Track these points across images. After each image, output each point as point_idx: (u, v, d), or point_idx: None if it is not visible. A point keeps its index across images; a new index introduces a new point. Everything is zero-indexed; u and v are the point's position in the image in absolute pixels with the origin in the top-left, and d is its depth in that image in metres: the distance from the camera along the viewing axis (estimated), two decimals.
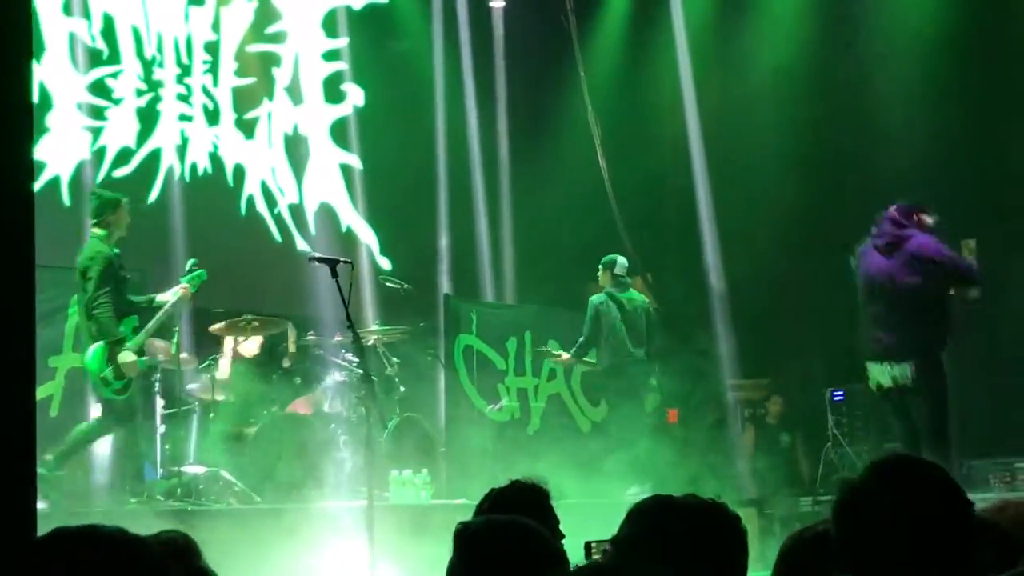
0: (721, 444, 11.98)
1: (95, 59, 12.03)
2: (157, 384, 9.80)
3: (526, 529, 2.90)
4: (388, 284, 11.54)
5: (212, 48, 12.80)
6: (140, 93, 12.29)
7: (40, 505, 4.66)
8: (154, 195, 12.19)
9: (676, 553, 2.64)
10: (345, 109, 13.53)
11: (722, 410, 13.00)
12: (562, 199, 13.98)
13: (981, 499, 2.57)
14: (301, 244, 13.01)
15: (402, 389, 10.75)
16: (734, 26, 13.91)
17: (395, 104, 13.73)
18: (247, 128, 12.98)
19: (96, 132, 11.99)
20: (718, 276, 13.62)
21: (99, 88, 12.05)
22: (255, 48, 13.10)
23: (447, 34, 14.24)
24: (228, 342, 10.42)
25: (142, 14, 12.33)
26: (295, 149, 13.26)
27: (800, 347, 12.99)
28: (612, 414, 11.87)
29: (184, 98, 12.58)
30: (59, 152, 11.59)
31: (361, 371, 8.26)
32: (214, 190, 12.61)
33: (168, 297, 9.35)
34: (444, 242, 13.94)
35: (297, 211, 13.17)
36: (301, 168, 13.28)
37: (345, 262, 7.90)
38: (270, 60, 13.22)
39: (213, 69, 12.81)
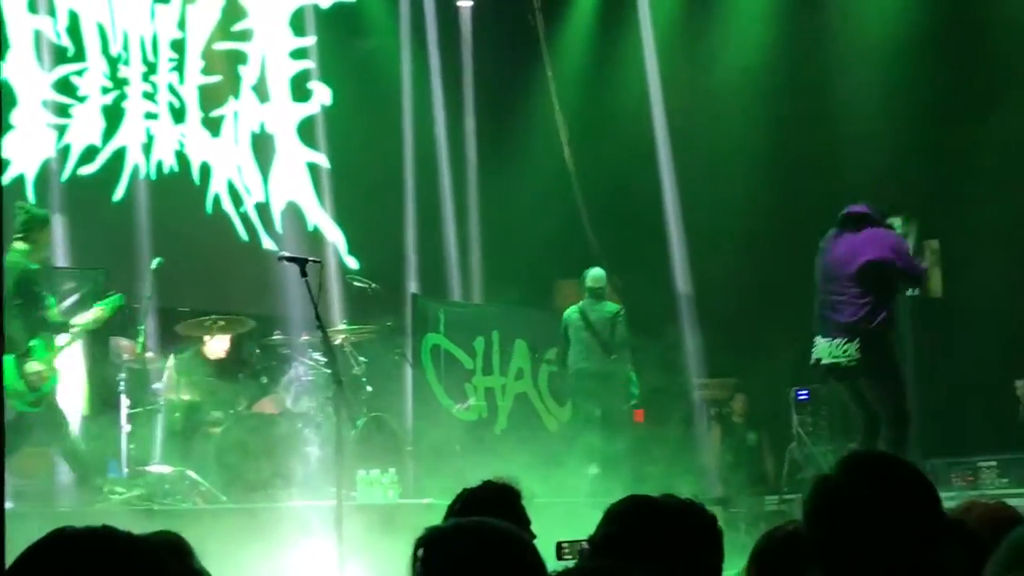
0: (687, 442, 12.03)
1: (60, 56, 11.96)
2: (122, 383, 9.74)
3: (500, 534, 2.75)
4: (355, 283, 11.51)
5: (178, 46, 12.75)
6: (106, 91, 12.23)
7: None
8: (119, 193, 12.14)
9: (653, 553, 2.65)
10: (312, 108, 13.49)
11: (689, 408, 13.06)
12: (530, 198, 13.99)
13: (944, 498, 2.59)
14: (267, 243, 12.97)
15: (369, 388, 10.73)
16: (701, 25, 13.97)
17: (362, 103, 13.70)
18: (213, 126, 12.93)
19: (61, 130, 11.93)
20: (684, 276, 13.68)
21: (64, 86, 11.98)
22: (222, 46, 13.04)
23: (415, 33, 14.22)
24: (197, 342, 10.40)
25: (108, 12, 12.27)
26: (262, 147, 13.22)
27: (765, 346, 13.05)
28: (576, 415, 12.02)
29: (150, 96, 12.52)
30: (24, 150, 11.52)
31: (329, 370, 8.25)
32: (180, 188, 12.55)
33: (82, 320, 9.21)
34: (411, 241, 13.93)
35: (264, 210, 13.12)
36: (268, 167, 13.24)
37: (315, 261, 7.89)
38: (237, 58, 13.17)
39: (179, 67, 12.75)
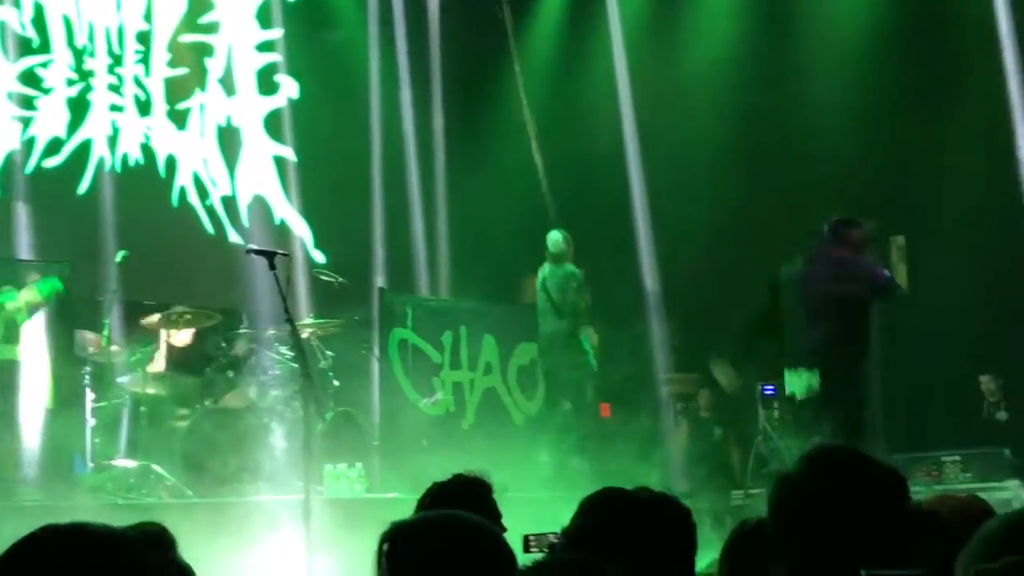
0: (653, 436, 12.05)
1: (25, 48, 11.88)
2: (87, 377, 9.68)
3: (467, 527, 2.67)
4: (322, 277, 11.48)
5: (144, 38, 12.67)
6: (71, 83, 12.15)
7: None
8: (84, 186, 12.06)
9: (627, 545, 2.66)
10: (279, 101, 13.44)
11: (655, 401, 13.08)
12: (497, 193, 13.98)
13: (911, 493, 2.61)
14: (234, 236, 12.91)
15: (336, 383, 10.70)
16: (670, 19, 13.98)
17: (329, 96, 13.65)
18: (179, 119, 12.85)
19: (26, 122, 11.84)
20: (652, 270, 13.70)
21: (29, 77, 11.90)
22: (188, 38, 12.97)
23: (383, 26, 14.17)
24: (162, 335, 10.32)
25: (73, 3, 12.19)
26: (228, 141, 13.15)
27: (732, 341, 13.09)
28: (546, 404, 12.12)
29: (115, 88, 12.44)
30: None
31: (297, 364, 8.22)
32: (146, 181, 12.48)
33: (12, 306, 9.13)
34: (379, 236, 13.88)
35: (230, 203, 13.06)
36: (234, 160, 13.17)
37: (283, 254, 7.87)
38: (203, 51, 13.10)
39: (145, 59, 12.67)
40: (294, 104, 13.45)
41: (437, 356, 12.25)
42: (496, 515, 4.00)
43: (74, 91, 12.16)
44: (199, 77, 13.03)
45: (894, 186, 12.08)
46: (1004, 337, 11.65)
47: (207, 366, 10.43)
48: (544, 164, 13.36)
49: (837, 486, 2.48)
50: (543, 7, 14.56)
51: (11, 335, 9.42)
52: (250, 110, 13.31)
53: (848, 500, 2.46)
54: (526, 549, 3.54)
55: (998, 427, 11.90)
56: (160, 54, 12.77)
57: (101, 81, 12.33)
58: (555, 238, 12.05)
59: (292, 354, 9.82)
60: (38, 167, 11.82)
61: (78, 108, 12.16)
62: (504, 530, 3.75)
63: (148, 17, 12.69)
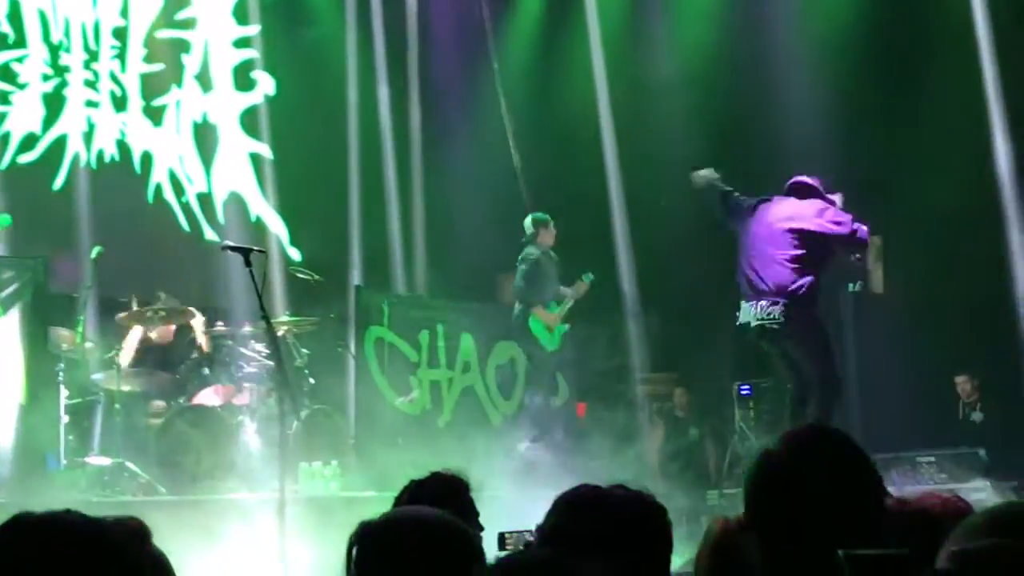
0: (629, 436, 12.05)
1: (0, 43, 11.80)
2: (60, 374, 9.62)
3: (434, 524, 2.66)
4: (298, 275, 11.43)
5: (120, 34, 12.62)
6: (46, 78, 12.09)
7: None
8: (59, 182, 12.01)
9: (602, 543, 2.64)
10: (255, 97, 13.40)
11: (631, 401, 13.09)
12: (474, 190, 13.96)
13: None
14: (209, 233, 12.86)
15: (312, 380, 10.66)
16: (648, 17, 13.98)
17: (306, 93, 13.62)
18: (155, 115, 12.81)
19: (1, 117, 11.76)
20: (629, 269, 13.69)
21: (4, 72, 11.85)
22: (164, 34, 12.92)
23: (360, 23, 14.13)
24: (134, 332, 10.26)
25: None
26: (204, 137, 13.11)
27: (708, 340, 13.09)
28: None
29: (91, 84, 12.39)
30: None
31: (272, 362, 8.17)
32: (121, 177, 12.44)
33: None
34: (355, 233, 13.85)
35: (206, 200, 13.02)
36: (210, 156, 13.13)
37: (259, 251, 7.81)
38: (179, 47, 13.05)
39: (121, 55, 12.62)
40: (271, 101, 13.42)
41: (414, 354, 12.22)
42: (474, 513, 3.98)
43: (49, 86, 12.10)
44: (175, 73, 12.98)
45: (870, 186, 12.10)
46: (980, 338, 11.67)
47: (181, 363, 10.38)
48: (521, 162, 13.34)
49: (818, 465, 2.47)
50: (522, 5, 14.55)
51: None
52: (226, 106, 13.27)
53: (828, 479, 2.45)
54: (502, 547, 3.53)
55: (974, 428, 11.94)
56: (136, 50, 12.72)
57: (77, 77, 12.27)
58: (525, 223, 11.91)
59: (267, 351, 9.77)
60: (13, 162, 11.75)
61: (53, 103, 12.10)
62: (481, 528, 3.74)
63: (124, 13, 12.64)
